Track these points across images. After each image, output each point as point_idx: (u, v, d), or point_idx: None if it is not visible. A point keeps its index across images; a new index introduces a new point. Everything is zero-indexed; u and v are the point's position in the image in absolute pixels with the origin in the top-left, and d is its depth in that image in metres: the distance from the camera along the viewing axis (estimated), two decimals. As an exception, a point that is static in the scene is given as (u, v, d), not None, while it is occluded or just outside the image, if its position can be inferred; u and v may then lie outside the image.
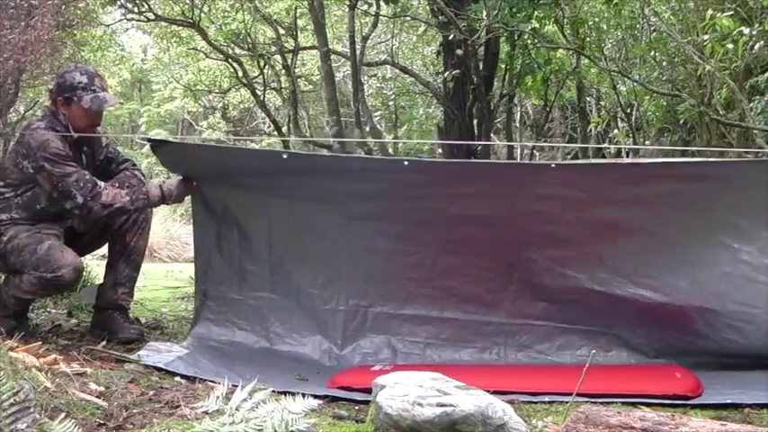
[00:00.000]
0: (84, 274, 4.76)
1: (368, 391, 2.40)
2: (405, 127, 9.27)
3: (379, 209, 3.36)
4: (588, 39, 6.72)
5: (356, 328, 3.44)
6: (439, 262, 3.38)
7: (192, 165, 3.42)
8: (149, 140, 3.45)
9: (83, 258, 3.70)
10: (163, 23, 9.00)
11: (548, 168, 3.37)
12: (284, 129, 9.09)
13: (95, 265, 4.89)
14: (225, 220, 3.50)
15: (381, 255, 3.43)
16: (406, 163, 3.40)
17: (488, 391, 2.23)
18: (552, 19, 6.14)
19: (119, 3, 7.47)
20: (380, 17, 7.90)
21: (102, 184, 3.39)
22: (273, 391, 2.39)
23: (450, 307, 3.39)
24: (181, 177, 3.44)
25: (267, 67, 9.08)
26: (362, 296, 3.45)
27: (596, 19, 6.60)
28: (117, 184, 3.45)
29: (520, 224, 3.23)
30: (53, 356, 2.79)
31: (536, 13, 5.60)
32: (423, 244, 3.37)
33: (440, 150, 7.26)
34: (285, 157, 3.33)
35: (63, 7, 4.17)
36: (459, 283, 3.38)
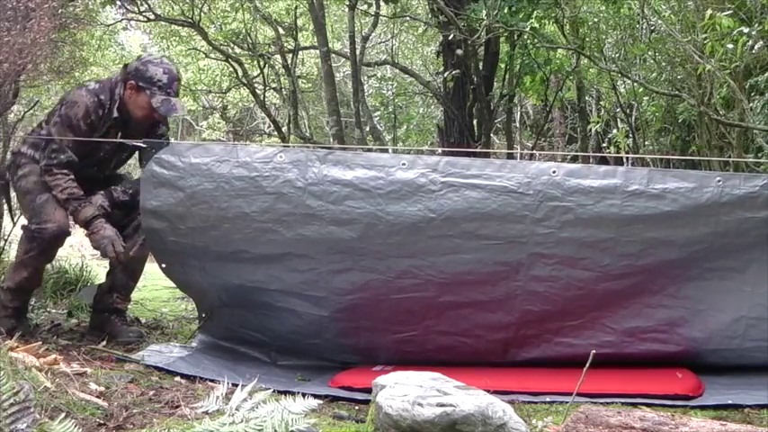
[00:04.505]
0: (84, 273, 4.79)
1: (369, 390, 2.40)
2: (404, 127, 9.26)
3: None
4: (588, 39, 6.72)
5: None
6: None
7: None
8: (147, 144, 3.33)
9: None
10: (162, 23, 8.99)
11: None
12: (284, 129, 9.07)
13: (95, 264, 4.90)
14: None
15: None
16: (404, 163, 3.13)
17: (488, 391, 2.23)
18: (552, 19, 6.14)
19: (118, 2, 7.45)
20: (380, 17, 7.88)
21: (64, 170, 3.34)
22: (274, 391, 2.39)
23: None
24: (115, 236, 3.34)
25: (267, 66, 9.07)
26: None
27: (596, 19, 6.59)
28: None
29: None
30: (53, 356, 2.79)
31: (536, 12, 5.59)
32: (413, 324, 3.21)
33: (440, 151, 7.26)
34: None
35: (60, 10, 4.14)
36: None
